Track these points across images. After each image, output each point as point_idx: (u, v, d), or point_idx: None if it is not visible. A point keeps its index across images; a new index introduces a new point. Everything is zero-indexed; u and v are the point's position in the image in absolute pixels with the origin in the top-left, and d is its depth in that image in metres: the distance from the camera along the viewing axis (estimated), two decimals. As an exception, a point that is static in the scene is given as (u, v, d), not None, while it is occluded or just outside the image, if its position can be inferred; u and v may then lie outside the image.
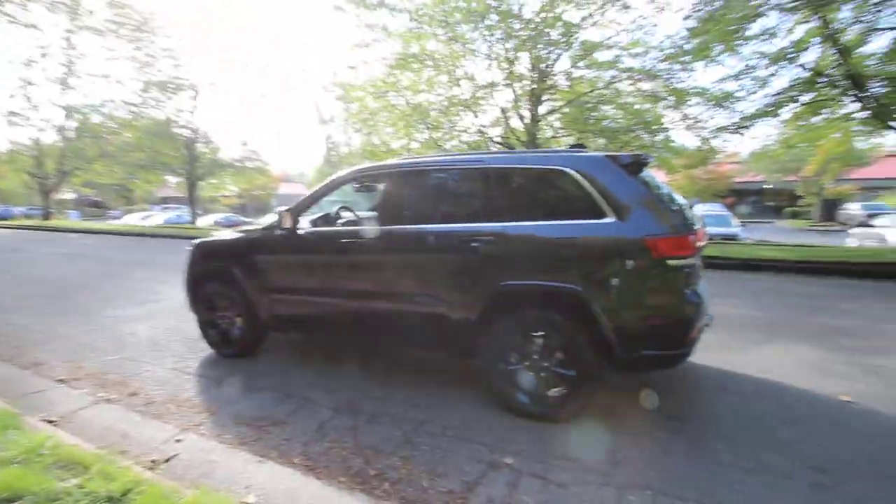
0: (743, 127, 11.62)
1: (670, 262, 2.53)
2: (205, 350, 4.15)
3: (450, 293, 2.98)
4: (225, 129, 42.41)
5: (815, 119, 11.31)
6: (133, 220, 28.70)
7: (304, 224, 3.74)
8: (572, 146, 3.36)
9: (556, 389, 2.78)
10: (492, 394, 3.03)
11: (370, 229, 3.23)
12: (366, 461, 2.48)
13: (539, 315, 2.77)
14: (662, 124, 12.83)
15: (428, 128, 12.99)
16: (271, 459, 2.49)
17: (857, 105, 9.92)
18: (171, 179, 32.22)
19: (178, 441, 2.66)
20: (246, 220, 28.20)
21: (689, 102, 12.24)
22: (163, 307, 5.82)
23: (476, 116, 12.61)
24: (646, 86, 12.37)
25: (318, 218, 3.94)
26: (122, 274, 8.42)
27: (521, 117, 13.11)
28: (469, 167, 3.08)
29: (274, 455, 2.53)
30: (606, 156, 2.75)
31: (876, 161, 27.44)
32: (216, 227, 20.98)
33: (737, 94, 11.49)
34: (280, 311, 3.68)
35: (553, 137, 13.69)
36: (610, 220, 2.62)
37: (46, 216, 24.53)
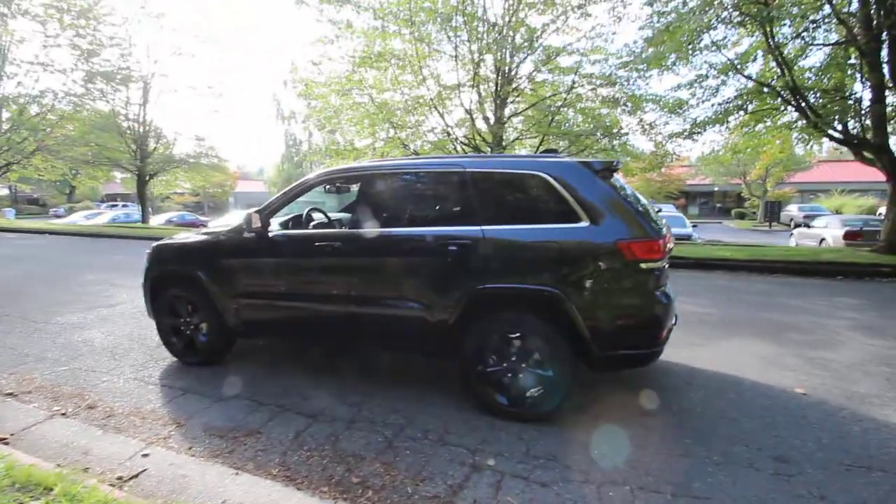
0: (695, 133, 12.24)
1: (642, 265, 2.63)
2: (167, 358, 3.96)
3: (427, 296, 2.98)
4: (179, 124, 40.42)
5: (759, 126, 12.08)
6: (76, 218, 26.87)
7: (275, 226, 3.64)
8: (544, 151, 3.45)
9: (533, 390, 2.83)
10: (470, 396, 3.05)
11: (345, 232, 3.18)
12: (347, 469, 2.44)
13: (516, 317, 2.82)
14: (621, 129, 13.32)
15: (393, 127, 12.89)
16: (247, 471, 2.40)
17: (796, 114, 10.68)
18: (119, 175, 30.45)
19: (144, 456, 2.52)
20: (202, 218, 27.02)
21: (645, 109, 12.79)
22: (117, 312, 5.49)
23: (442, 117, 12.62)
24: (605, 91, 12.83)
25: (289, 220, 3.83)
26: (69, 277, 7.88)
27: (487, 119, 13.25)
28: (447, 170, 3.09)
29: (250, 467, 2.45)
30: (580, 162, 2.83)
31: (813, 166, 29.63)
32: (173, 228, 19.99)
33: (690, 102, 12.12)
34: (250, 316, 3.56)
35: (518, 139, 13.93)
36: (584, 224, 2.70)
37: (-24, 214, 22.58)
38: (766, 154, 18.67)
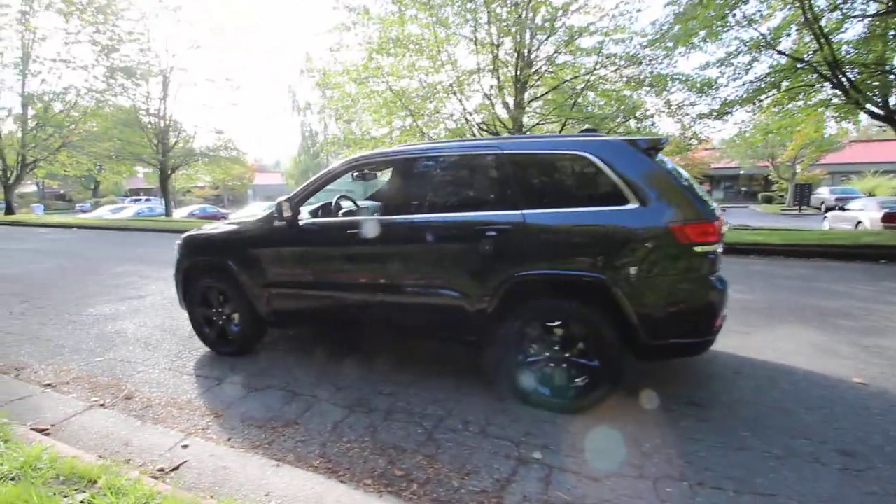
0: (724, 113, 11.81)
1: (696, 248, 2.47)
2: (199, 348, 3.96)
3: (465, 284, 2.87)
4: (198, 117, 40.89)
5: (791, 105, 11.56)
6: (102, 212, 27.51)
7: (304, 215, 3.57)
8: (583, 131, 3.27)
9: (578, 380, 2.72)
10: (510, 387, 2.95)
11: (379, 219, 3.08)
12: (389, 461, 2.37)
13: (560, 305, 2.69)
14: (646, 111, 12.91)
15: (411, 115, 12.73)
16: (289, 463, 2.35)
17: (834, 91, 10.17)
18: (141, 170, 31.02)
19: (184, 447, 2.50)
20: (223, 211, 27.39)
21: (671, 89, 12.35)
22: (148, 304, 5.54)
23: (461, 103, 12.41)
24: (629, 72, 12.43)
25: (318, 208, 3.76)
26: (99, 270, 8.01)
27: (506, 104, 12.99)
28: (483, 153, 2.96)
29: (291, 458, 2.40)
30: (626, 140, 2.67)
31: (845, 147, 28.41)
32: (195, 221, 20.30)
33: (719, 81, 11.66)
34: (281, 305, 3.51)
35: (538, 125, 13.63)
36: (633, 206, 2.55)
37: (9, 210, 23.28)
38: (800, 134, 17.91)
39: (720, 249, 2.70)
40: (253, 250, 3.50)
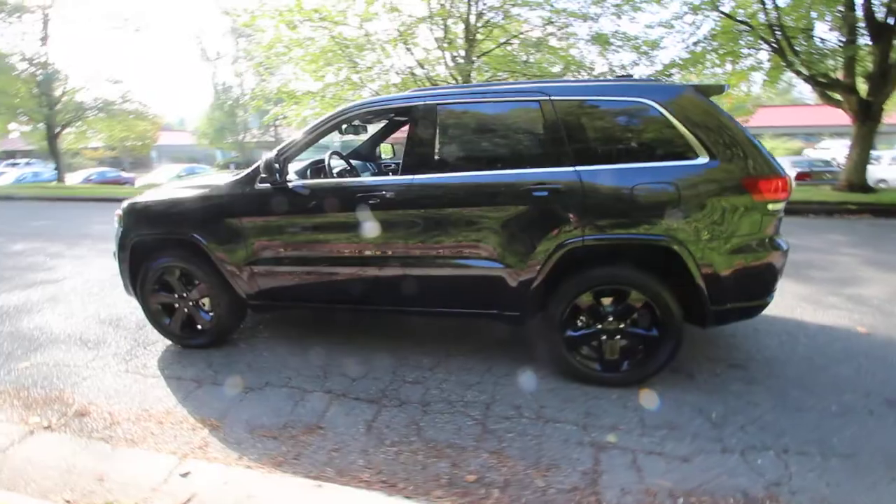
0: (664, 75, 12.11)
1: (770, 206, 2.30)
2: (157, 341, 3.26)
3: (508, 253, 2.50)
4: (90, 64, 35.06)
5: (726, 68, 12.10)
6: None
7: (291, 176, 2.94)
8: (620, 77, 2.95)
9: (634, 352, 2.51)
10: (558, 363, 2.68)
11: (400, 181, 2.58)
12: (453, 464, 2.02)
13: (619, 273, 2.42)
14: (592, 70, 12.90)
15: (354, 66, 11.66)
16: (331, 480, 1.92)
17: (766, 55, 10.74)
18: (16, 128, 26.18)
19: (184, 475, 1.95)
20: (126, 175, 24.11)
21: (618, 49, 12.39)
22: (67, 288, 4.54)
23: (411, 52, 11.55)
24: (578, 30, 12.25)
25: (307, 168, 3.13)
26: (-15, 249, 6.54)
27: (454, 56, 12.31)
28: (524, 99, 2.53)
29: (331, 474, 1.97)
30: (692, 85, 2.39)
31: (755, 112, 30.98)
32: (95, 187, 17.62)
33: (663, 43, 11.87)
34: (272, 285, 2.92)
35: (492, 79, 13.14)
36: (702, 160, 2.30)
37: None
38: (730, 98, 19.04)
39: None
40: (231, 220, 2.83)
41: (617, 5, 11.28)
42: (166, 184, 3.61)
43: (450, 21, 11.60)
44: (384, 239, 2.63)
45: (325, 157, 3.09)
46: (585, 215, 2.37)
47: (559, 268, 2.44)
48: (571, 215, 2.38)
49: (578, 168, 2.38)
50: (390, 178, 2.65)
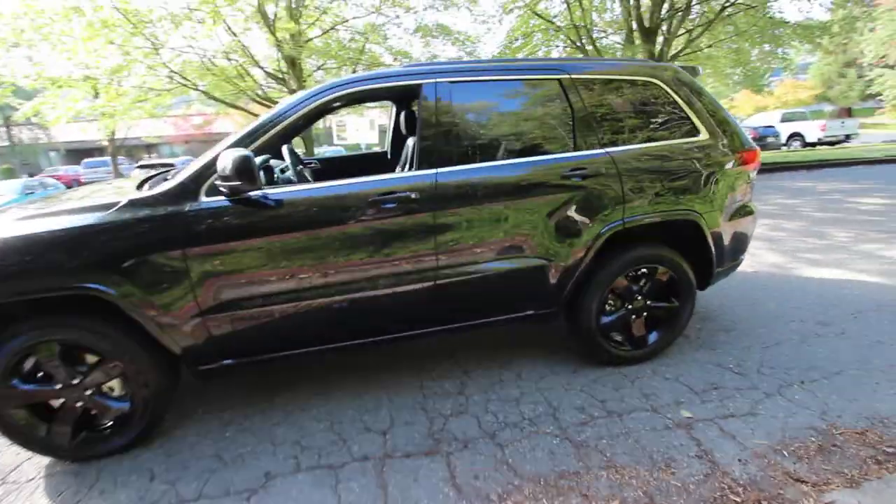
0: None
1: (752, 174, 2.61)
2: (35, 476, 2.04)
3: (548, 245, 2.28)
4: None
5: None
6: None
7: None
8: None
9: (656, 325, 2.60)
10: (590, 351, 2.59)
11: (421, 176, 2.07)
12: (584, 496, 1.75)
13: (656, 251, 2.44)
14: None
15: (153, 46, 9.43)
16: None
17: (565, 51, 12.57)
18: None
19: None
20: None
21: (443, 42, 12.91)
22: None
23: (231, 32, 9.89)
24: (406, 21, 12.33)
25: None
26: None
27: (280, 42, 11.04)
28: (542, 77, 2.28)
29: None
30: (688, 67, 2.53)
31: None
32: None
33: (481, 39, 12.85)
34: (239, 336, 2.06)
35: (321, 68, 12.19)
36: (705, 137, 2.47)
37: None
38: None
39: None
40: (164, 255, 1.88)
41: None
42: (11, 210, 2.25)
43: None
44: (407, 250, 2.10)
45: (288, 156, 2.31)
46: (622, 197, 2.30)
47: (600, 253, 2.33)
48: (609, 198, 2.29)
49: (610, 150, 2.29)
50: (408, 174, 2.11)
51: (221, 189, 1.85)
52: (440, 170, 2.11)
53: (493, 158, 2.23)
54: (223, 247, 1.92)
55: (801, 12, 35.59)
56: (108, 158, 21.16)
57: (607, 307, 2.52)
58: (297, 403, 2.41)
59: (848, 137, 19.09)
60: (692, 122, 2.45)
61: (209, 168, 1.91)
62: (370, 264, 2.09)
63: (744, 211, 2.66)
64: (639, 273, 2.48)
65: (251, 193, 1.91)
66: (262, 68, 11.14)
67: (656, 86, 2.40)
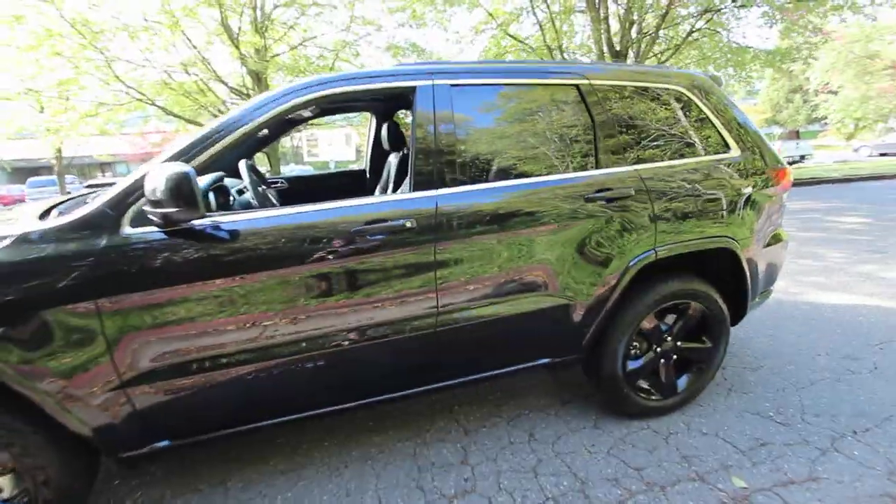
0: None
1: (784, 195, 2.31)
2: None
3: (569, 280, 1.89)
4: None
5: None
6: None
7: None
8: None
9: (688, 369, 2.24)
10: (607, 403, 2.20)
11: (417, 199, 1.66)
12: None
13: (690, 285, 2.08)
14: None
15: (106, 60, 8.77)
16: None
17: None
18: None
19: None
20: None
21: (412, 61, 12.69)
22: None
23: (190, 43, 9.32)
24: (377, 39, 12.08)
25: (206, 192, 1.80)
26: None
27: (244, 57, 10.54)
28: (557, 82, 1.92)
29: None
30: (712, 76, 2.24)
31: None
32: None
33: (455, 58, 12.71)
34: (176, 410, 1.56)
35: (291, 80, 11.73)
36: (736, 153, 2.16)
37: None
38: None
39: None
40: (66, 309, 1.37)
41: (415, 14, 11.47)
42: None
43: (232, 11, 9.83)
44: (400, 292, 1.66)
45: (243, 170, 1.84)
46: (653, 222, 1.95)
47: (629, 287, 1.96)
48: (639, 224, 1.93)
49: (638, 167, 1.94)
50: (401, 197, 1.68)
51: (151, 217, 1.37)
52: (441, 192, 1.69)
53: (505, 178, 1.84)
54: (152, 296, 1.43)
55: (761, 38, 37.97)
56: (55, 177, 19.70)
57: (632, 351, 2.14)
58: (255, 487, 1.89)
59: (803, 158, 20.00)
60: (722, 136, 2.15)
61: (136, 189, 1.43)
62: (353, 311, 1.63)
63: (778, 237, 2.36)
64: (667, 310, 2.12)
65: (194, 223, 1.44)
66: (224, 83, 10.58)
67: (684, 94, 2.09)
